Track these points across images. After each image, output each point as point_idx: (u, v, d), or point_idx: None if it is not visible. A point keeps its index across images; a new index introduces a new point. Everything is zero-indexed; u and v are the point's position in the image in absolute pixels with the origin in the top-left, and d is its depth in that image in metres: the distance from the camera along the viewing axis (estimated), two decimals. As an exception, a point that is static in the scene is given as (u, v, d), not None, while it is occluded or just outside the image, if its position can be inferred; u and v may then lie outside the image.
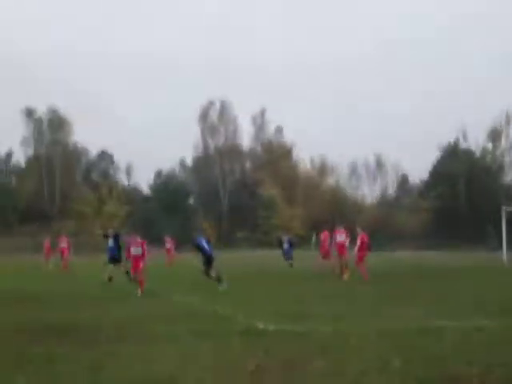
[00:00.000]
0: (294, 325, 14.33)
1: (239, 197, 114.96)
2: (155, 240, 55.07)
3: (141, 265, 24.47)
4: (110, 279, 28.80)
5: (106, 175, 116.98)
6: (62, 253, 43.11)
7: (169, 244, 51.47)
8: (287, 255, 42.44)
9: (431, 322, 14.62)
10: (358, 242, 30.50)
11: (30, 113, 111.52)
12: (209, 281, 25.91)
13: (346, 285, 27.04)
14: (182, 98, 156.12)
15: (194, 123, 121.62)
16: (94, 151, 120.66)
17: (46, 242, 48.02)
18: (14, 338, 13.58)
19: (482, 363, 9.89)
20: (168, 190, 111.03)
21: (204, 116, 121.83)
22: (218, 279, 25.85)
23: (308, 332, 13.33)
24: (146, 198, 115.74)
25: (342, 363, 10.08)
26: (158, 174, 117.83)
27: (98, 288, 26.79)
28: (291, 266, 40.69)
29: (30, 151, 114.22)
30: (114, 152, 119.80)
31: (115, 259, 29.50)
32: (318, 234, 43.16)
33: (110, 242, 30.10)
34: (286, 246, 43.11)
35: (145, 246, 24.89)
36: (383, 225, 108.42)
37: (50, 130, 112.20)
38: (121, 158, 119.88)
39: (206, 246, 26.77)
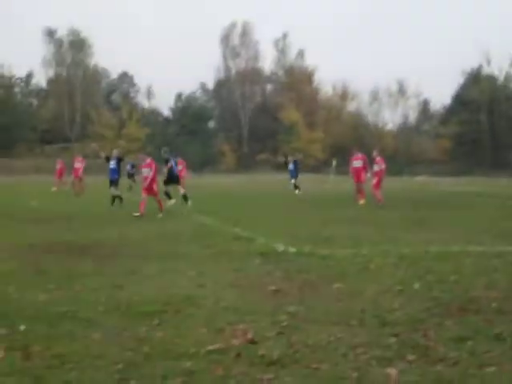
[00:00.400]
0: (313, 248, 14.37)
1: (259, 121, 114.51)
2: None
3: (154, 185, 24.36)
4: (114, 201, 28.73)
5: (126, 97, 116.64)
6: (76, 173, 42.33)
7: (180, 166, 50.77)
8: (291, 175, 42.41)
9: (450, 248, 14.63)
10: (376, 168, 30.43)
11: (50, 33, 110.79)
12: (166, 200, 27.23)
13: (364, 210, 27.03)
14: (203, 19, 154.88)
15: (215, 45, 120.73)
16: (114, 73, 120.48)
17: (59, 163, 47.90)
18: (36, 255, 13.75)
19: (500, 288, 9.91)
20: (188, 113, 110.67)
21: (226, 38, 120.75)
22: (185, 198, 28.56)
23: (327, 255, 13.36)
24: (166, 121, 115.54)
25: (361, 285, 10.11)
26: (179, 97, 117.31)
27: (116, 208, 27.03)
28: (294, 186, 40.73)
29: (51, 72, 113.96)
30: (134, 74, 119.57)
31: (115, 181, 29.12)
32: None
33: (112, 163, 29.44)
34: (291, 166, 42.98)
35: (154, 166, 24.61)
36: (403, 151, 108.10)
37: (70, 50, 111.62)
38: (141, 80, 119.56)
39: (174, 165, 28.98)
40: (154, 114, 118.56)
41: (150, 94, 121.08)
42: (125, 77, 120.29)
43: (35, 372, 6.06)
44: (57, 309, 8.45)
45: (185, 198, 29.37)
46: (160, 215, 23.28)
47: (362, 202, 29.94)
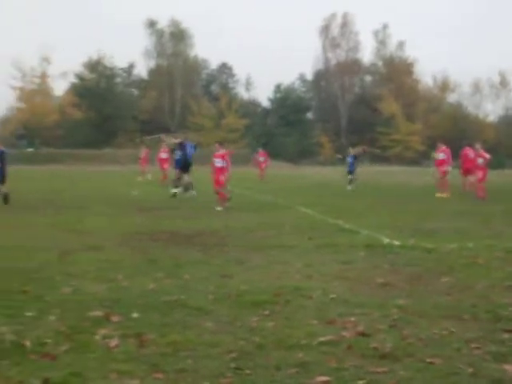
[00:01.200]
0: (419, 241, 14.21)
1: (358, 112, 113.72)
2: (274, 154, 55.09)
3: (221, 178, 23.69)
4: (186, 189, 28.64)
5: (225, 88, 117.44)
6: (162, 163, 41.75)
7: (262, 157, 50.40)
8: (349, 169, 39.02)
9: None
10: (480, 161, 29.86)
11: (152, 24, 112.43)
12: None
13: (466, 203, 26.49)
14: (304, 10, 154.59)
15: (315, 36, 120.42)
16: (214, 64, 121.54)
17: (144, 153, 48.37)
18: (143, 244, 14.01)
19: None
20: (287, 103, 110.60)
21: (325, 29, 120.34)
22: (186, 188, 27.81)
23: (432, 249, 13.19)
24: (264, 112, 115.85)
25: (470, 280, 9.94)
26: (278, 88, 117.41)
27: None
28: (350, 182, 37.57)
29: (152, 63, 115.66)
30: (233, 65, 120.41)
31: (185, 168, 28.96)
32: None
33: (178, 154, 29.41)
34: (349, 159, 39.86)
35: (227, 158, 24.09)
36: (505, 143, 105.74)
37: (171, 41, 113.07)
38: (240, 71, 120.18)
39: (189, 149, 28.72)
40: (253, 104, 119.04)
41: (248, 85, 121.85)
42: (224, 67, 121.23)
43: (150, 359, 6.15)
44: (167, 297, 8.57)
45: (186, 188, 28.92)
46: (219, 208, 22.59)
47: (444, 195, 29.53)
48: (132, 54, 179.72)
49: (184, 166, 28.24)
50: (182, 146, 28.77)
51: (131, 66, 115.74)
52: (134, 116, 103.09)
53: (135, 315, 7.67)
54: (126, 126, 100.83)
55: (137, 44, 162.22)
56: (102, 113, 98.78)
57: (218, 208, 22.44)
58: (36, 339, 6.73)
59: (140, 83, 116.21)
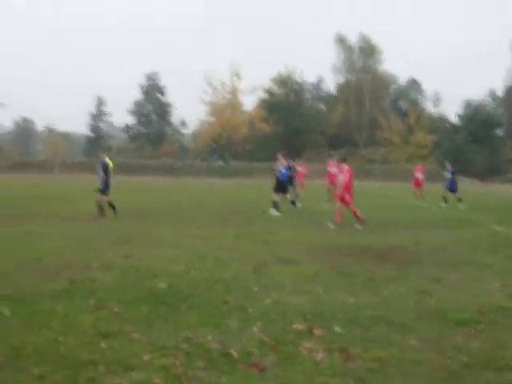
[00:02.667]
0: None
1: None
2: (462, 171, 53.67)
3: (344, 194, 22.09)
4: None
5: (414, 103, 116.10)
6: (330, 178, 40.24)
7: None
8: (450, 185, 34.46)
9: None
10: None
11: (341, 40, 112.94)
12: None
13: None
14: (492, 20, 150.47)
15: (505, 50, 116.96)
16: (402, 79, 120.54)
17: (302, 167, 46.25)
18: (334, 257, 14.03)
19: None
20: (476, 119, 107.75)
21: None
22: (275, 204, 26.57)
23: None
24: (453, 128, 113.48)
25: None
26: (468, 104, 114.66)
27: (409, 212, 26.85)
28: (459, 200, 32.97)
29: (341, 78, 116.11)
30: (422, 80, 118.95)
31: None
32: None
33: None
34: (448, 174, 35.28)
35: (348, 174, 22.44)
36: None
37: (360, 57, 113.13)
38: (428, 87, 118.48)
39: (283, 171, 27.99)
40: (441, 120, 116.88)
41: (437, 101, 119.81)
42: (413, 83, 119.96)
43: (356, 374, 6.15)
44: (368, 312, 8.54)
45: (293, 203, 28.97)
46: (358, 226, 21.26)
47: None
48: (321, 69, 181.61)
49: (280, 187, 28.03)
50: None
51: (320, 81, 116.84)
52: (322, 131, 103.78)
53: (337, 329, 7.69)
54: (314, 141, 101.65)
55: (325, 59, 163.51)
56: (291, 127, 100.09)
57: (331, 225, 21.18)
58: (241, 349, 6.87)
59: (328, 98, 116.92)
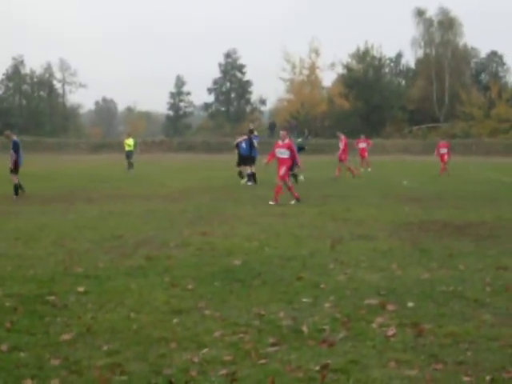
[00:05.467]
0: None
1: None
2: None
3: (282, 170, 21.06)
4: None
5: (495, 77, 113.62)
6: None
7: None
8: None
9: None
10: None
11: (420, 13, 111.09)
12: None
13: None
14: None
15: None
16: (483, 52, 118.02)
17: (362, 142, 44.32)
18: (413, 233, 13.89)
19: None
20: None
21: None
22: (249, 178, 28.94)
23: None
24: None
25: None
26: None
27: (490, 187, 26.32)
28: None
29: (420, 52, 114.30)
30: (504, 52, 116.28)
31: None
32: None
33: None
34: None
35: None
36: None
37: (439, 30, 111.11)
38: (510, 59, 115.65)
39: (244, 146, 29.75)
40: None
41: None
42: (493, 56, 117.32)
43: (429, 349, 6.09)
44: (443, 287, 8.44)
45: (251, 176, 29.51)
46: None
47: None
48: (399, 44, 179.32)
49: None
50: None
51: (399, 56, 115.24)
52: (402, 106, 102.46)
53: (411, 304, 7.62)
54: (394, 116, 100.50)
55: (404, 33, 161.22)
56: (370, 103, 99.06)
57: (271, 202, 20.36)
58: (313, 325, 6.87)
59: (407, 73, 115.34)
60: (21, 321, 7.03)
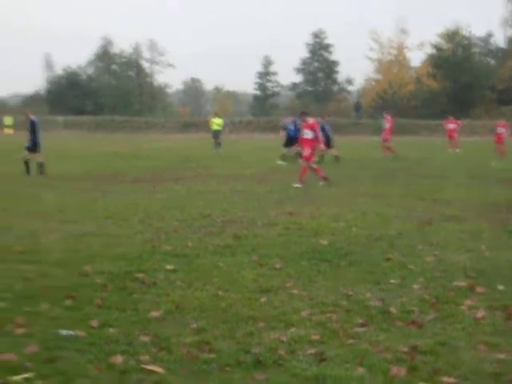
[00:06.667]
0: None
1: None
2: None
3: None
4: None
5: None
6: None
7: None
8: None
9: None
10: None
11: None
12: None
13: None
14: None
15: None
16: None
17: (452, 123, 44.31)
18: (502, 215, 13.67)
19: None
20: None
21: None
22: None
23: None
24: None
25: None
26: None
27: None
28: None
29: (510, 32, 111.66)
30: None
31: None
32: None
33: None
34: None
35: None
36: None
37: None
38: None
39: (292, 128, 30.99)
40: None
41: None
42: None
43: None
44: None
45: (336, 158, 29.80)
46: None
47: None
48: (490, 23, 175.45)
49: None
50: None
51: (489, 35, 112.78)
52: (492, 86, 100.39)
53: (500, 287, 7.52)
54: (483, 97, 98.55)
55: (494, 13, 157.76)
56: (458, 83, 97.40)
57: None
58: (401, 306, 6.84)
59: (497, 52, 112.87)
60: (111, 297, 7.17)
